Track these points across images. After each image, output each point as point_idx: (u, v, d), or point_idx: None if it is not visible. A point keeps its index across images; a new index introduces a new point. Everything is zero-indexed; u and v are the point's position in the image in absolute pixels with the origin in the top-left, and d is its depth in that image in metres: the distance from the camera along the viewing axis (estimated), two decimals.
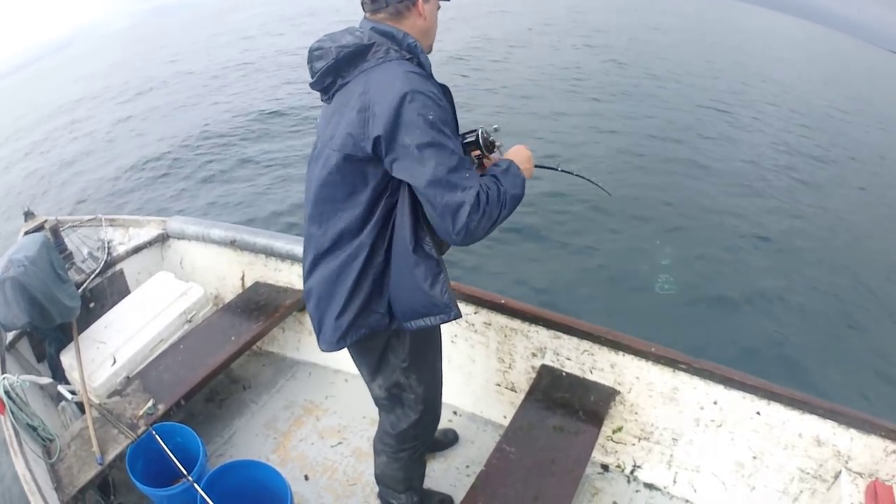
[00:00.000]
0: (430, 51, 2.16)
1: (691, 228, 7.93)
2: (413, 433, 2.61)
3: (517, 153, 2.19)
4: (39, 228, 3.62)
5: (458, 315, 2.17)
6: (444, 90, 2.05)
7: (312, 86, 2.14)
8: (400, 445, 2.67)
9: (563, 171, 2.57)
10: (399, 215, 2.06)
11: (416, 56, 2.04)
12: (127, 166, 10.62)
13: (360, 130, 1.93)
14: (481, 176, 2.00)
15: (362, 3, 2.09)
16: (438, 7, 2.16)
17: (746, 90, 15.89)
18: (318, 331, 2.28)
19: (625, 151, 10.18)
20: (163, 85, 16.19)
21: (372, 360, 2.40)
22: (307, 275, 2.24)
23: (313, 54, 2.08)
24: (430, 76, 2.04)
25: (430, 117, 1.86)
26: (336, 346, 2.24)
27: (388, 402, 2.54)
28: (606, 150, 10.18)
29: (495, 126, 2.30)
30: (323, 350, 2.28)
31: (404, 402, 2.51)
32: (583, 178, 2.60)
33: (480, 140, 2.16)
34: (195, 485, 2.64)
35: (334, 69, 2.04)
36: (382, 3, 2.04)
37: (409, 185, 1.98)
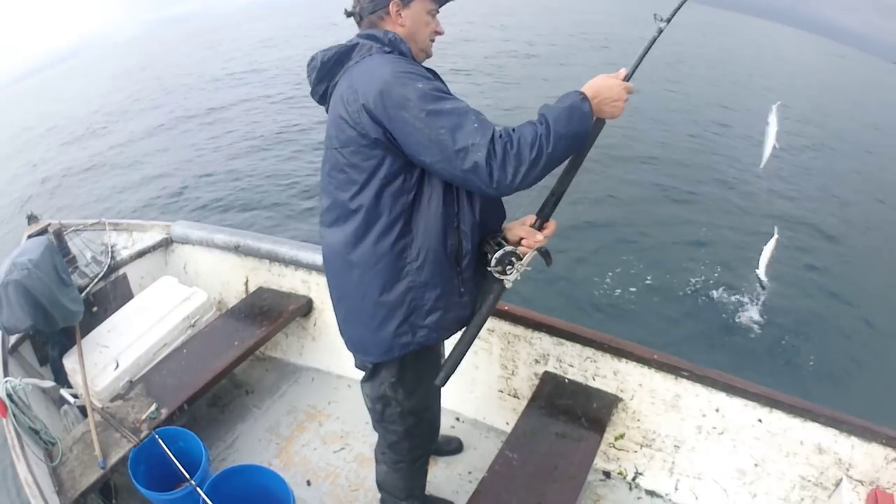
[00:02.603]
0: (424, 56, 2.17)
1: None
2: (407, 445, 2.59)
3: (594, 83, 1.97)
4: (43, 232, 3.62)
5: None
6: (432, 72, 2.05)
7: (313, 97, 2.20)
8: (397, 457, 2.66)
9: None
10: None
11: (396, 48, 2.03)
12: (128, 175, 10.69)
13: (354, 110, 1.92)
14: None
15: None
16: (433, 12, 2.14)
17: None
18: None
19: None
20: (168, 94, 16.31)
21: (365, 369, 2.44)
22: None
23: (308, 68, 2.15)
24: (413, 61, 2.05)
25: (420, 85, 1.85)
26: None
27: (374, 413, 2.53)
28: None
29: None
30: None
31: (386, 416, 2.48)
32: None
33: (493, 261, 2.09)
34: (198, 489, 2.63)
35: (323, 74, 2.09)
36: (358, 17, 2.15)
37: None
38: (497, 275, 2.08)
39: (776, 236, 3.93)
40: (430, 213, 2.01)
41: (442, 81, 2.04)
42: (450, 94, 1.92)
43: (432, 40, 2.17)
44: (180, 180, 10.08)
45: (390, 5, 2.06)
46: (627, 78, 1.99)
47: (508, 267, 2.07)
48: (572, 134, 1.86)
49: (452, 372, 2.21)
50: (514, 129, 1.82)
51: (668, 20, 2.06)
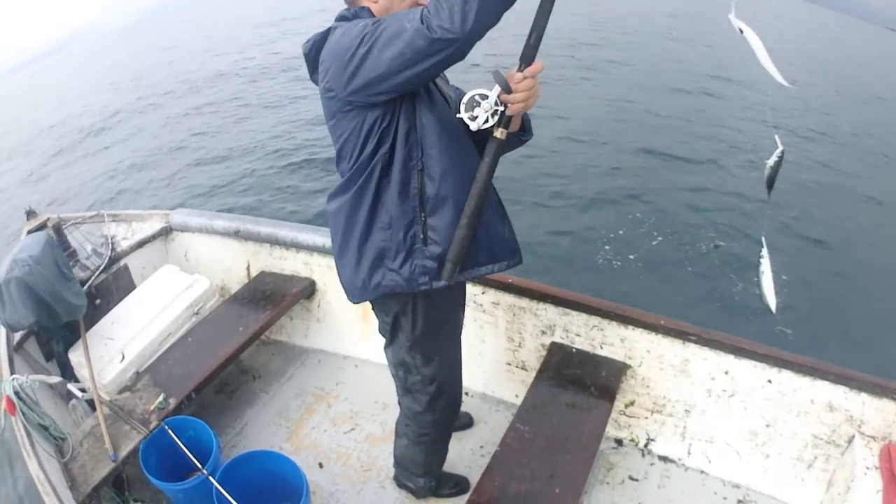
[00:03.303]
0: None
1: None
2: (430, 418, 2.59)
3: None
4: (42, 227, 3.60)
5: None
6: None
7: (316, 84, 2.18)
8: (420, 429, 2.67)
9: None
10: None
11: (357, 17, 2.00)
12: (122, 165, 10.66)
13: (327, 80, 1.96)
14: None
15: None
16: None
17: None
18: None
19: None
20: (158, 84, 16.18)
21: (385, 334, 2.44)
22: None
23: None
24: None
25: (362, 23, 1.84)
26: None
27: (398, 381, 2.55)
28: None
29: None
30: None
31: (409, 385, 2.50)
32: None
33: (462, 107, 1.95)
34: (210, 478, 2.64)
35: (311, 65, 2.12)
36: None
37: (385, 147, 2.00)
38: (468, 121, 1.96)
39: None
40: (398, 156, 2.01)
41: None
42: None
43: None
44: (174, 171, 10.04)
45: None
46: None
47: (476, 108, 1.93)
48: None
49: (456, 261, 2.06)
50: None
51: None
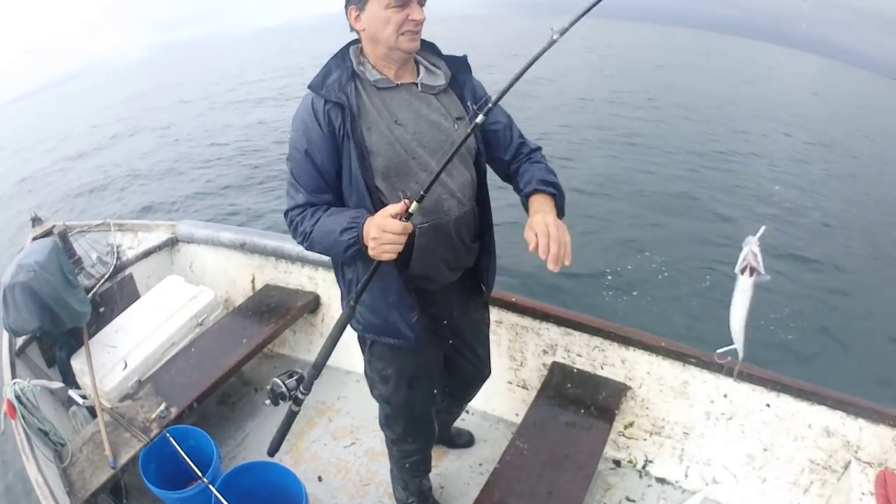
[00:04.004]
0: (399, 54, 2.00)
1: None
2: (389, 435, 2.67)
3: (372, 222, 1.86)
4: (48, 234, 3.62)
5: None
6: (337, 108, 1.97)
7: None
8: (386, 439, 2.74)
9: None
10: None
11: (318, 78, 2.02)
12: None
13: None
14: None
15: None
16: (391, 4, 1.88)
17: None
18: None
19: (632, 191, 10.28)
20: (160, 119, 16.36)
21: None
22: None
23: None
24: (316, 97, 2.00)
25: (291, 135, 2.08)
26: None
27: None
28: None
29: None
30: None
31: (374, 395, 2.54)
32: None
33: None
34: (210, 486, 2.64)
35: None
36: None
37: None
38: (271, 403, 2.15)
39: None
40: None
41: (340, 116, 1.97)
42: (298, 150, 2.03)
43: (403, 33, 1.93)
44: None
45: (349, 13, 1.99)
46: (405, 215, 1.79)
47: (277, 395, 2.12)
48: (325, 250, 2.08)
49: (277, 442, 2.15)
50: (302, 213, 2.08)
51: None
